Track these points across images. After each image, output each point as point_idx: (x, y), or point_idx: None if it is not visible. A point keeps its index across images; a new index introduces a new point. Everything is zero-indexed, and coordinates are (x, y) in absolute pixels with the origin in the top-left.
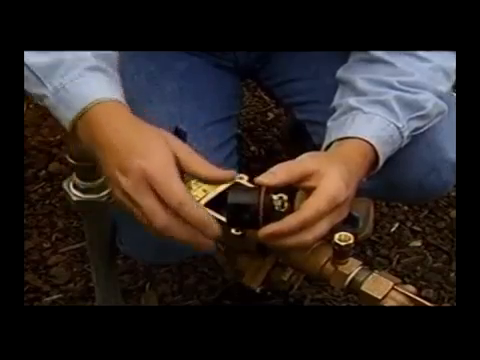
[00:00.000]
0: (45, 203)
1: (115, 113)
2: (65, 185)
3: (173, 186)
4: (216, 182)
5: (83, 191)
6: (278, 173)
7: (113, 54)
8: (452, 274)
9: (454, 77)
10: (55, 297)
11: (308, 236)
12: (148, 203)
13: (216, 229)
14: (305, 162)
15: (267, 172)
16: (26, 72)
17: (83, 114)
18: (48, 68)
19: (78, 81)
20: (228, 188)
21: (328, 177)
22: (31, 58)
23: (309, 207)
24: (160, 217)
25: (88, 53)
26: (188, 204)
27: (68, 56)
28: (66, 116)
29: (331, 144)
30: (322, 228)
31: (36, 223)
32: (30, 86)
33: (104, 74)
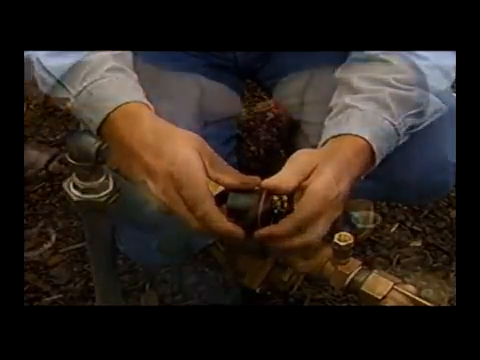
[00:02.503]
0: (45, 203)
1: (138, 116)
2: (65, 185)
3: (198, 196)
4: (239, 188)
5: (83, 191)
6: (284, 182)
7: (128, 54)
8: (452, 274)
9: (453, 75)
10: (55, 297)
11: (312, 236)
12: (180, 211)
13: (241, 234)
14: (298, 164)
15: (274, 177)
16: (45, 75)
17: (107, 119)
18: (69, 71)
19: (100, 83)
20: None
21: (318, 175)
22: (49, 61)
23: (303, 209)
24: (194, 224)
25: (107, 54)
26: (210, 216)
27: (88, 58)
28: (92, 120)
29: (327, 142)
30: (323, 225)
31: (36, 223)
32: (51, 90)
33: (124, 74)
